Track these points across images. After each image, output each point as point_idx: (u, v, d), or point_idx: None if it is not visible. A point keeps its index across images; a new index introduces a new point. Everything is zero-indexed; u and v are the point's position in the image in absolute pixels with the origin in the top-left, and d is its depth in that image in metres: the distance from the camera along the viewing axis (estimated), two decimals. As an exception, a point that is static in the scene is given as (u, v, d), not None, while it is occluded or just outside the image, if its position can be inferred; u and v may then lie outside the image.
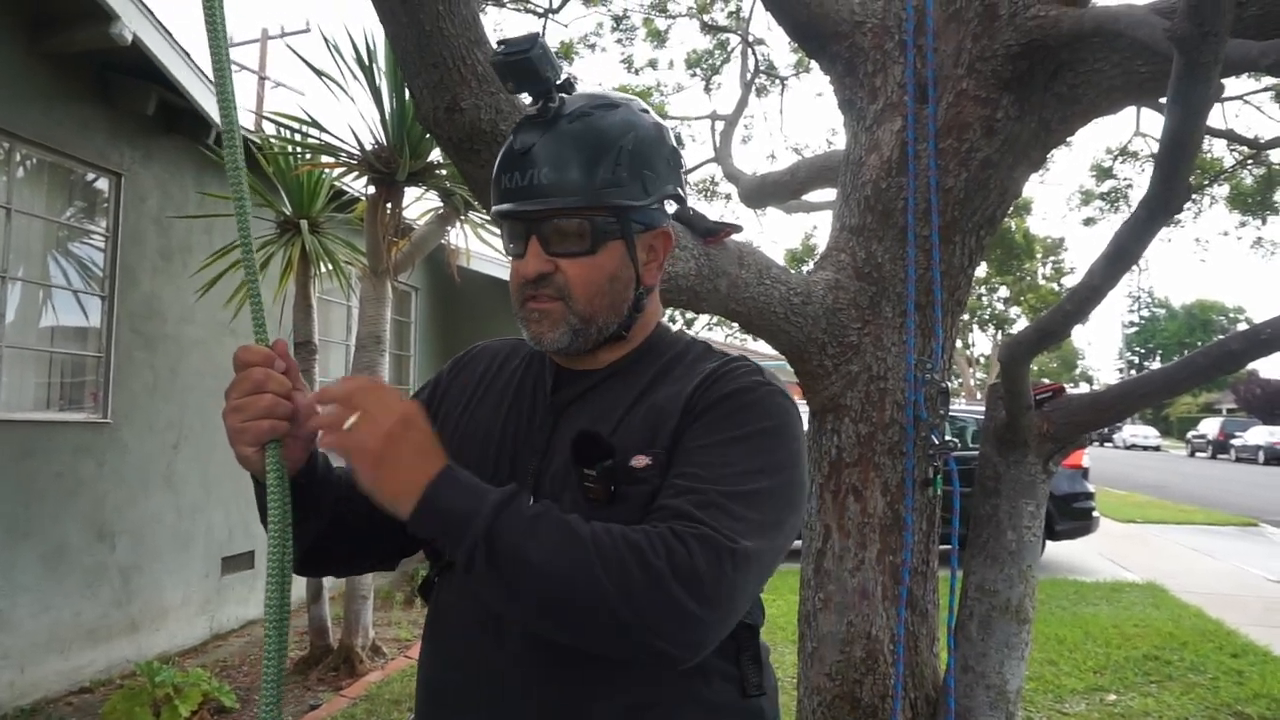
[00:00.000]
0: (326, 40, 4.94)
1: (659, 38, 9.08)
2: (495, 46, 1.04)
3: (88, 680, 4.71)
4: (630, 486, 0.98)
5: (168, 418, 5.36)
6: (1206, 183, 9.90)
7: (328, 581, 5.21)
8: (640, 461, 0.99)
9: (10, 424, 4.40)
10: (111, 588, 4.94)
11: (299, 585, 6.46)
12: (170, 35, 4.76)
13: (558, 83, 1.03)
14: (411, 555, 1.18)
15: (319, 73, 4.93)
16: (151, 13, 4.56)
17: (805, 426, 1.16)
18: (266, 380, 0.96)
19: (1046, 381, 2.20)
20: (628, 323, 1.09)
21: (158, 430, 5.29)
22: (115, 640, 4.94)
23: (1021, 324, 27.87)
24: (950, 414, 2.21)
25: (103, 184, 5.09)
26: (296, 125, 5.15)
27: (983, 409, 2.22)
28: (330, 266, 5.39)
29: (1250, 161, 9.51)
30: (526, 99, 1.06)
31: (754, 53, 7.33)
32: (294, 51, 5.80)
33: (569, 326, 1.04)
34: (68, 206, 4.98)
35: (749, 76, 7.05)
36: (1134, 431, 42.32)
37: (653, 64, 10.59)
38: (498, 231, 1.14)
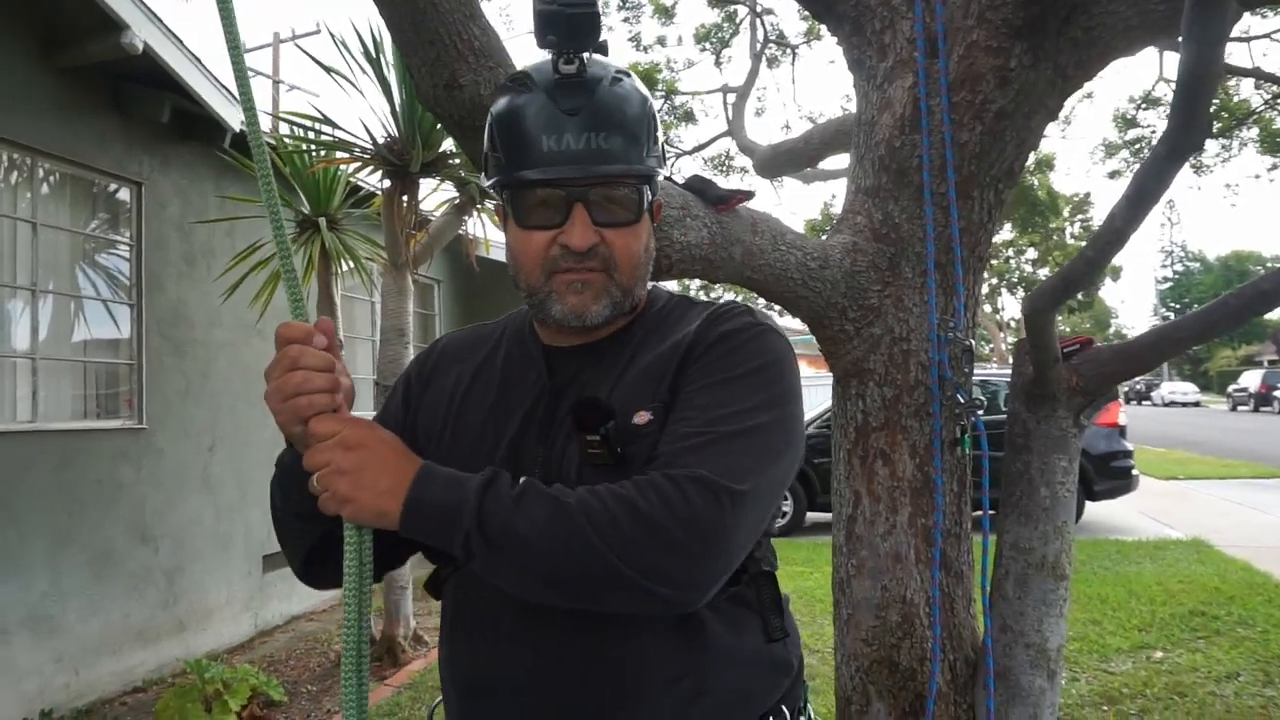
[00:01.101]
0: (334, 38, 4.96)
1: (666, 14, 9.00)
2: None
3: (140, 680, 4.82)
4: (635, 445, 0.97)
5: (201, 421, 5.44)
6: (1235, 125, 9.64)
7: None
8: (643, 418, 0.98)
9: (50, 434, 4.49)
10: (157, 589, 5.05)
11: (340, 579, 6.55)
12: (180, 42, 4.80)
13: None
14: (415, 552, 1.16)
15: (328, 70, 4.95)
16: (160, 20, 4.60)
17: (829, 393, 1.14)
18: (301, 356, 0.94)
19: (1074, 335, 2.16)
20: (643, 295, 1.09)
21: (192, 434, 5.38)
22: (164, 640, 5.05)
23: (1051, 285, 27.26)
24: (981, 377, 2.18)
25: (124, 193, 5.15)
26: (309, 124, 5.18)
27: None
28: (351, 263, 5.43)
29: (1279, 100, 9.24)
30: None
31: (763, 23, 7.24)
32: (304, 52, 5.83)
33: (611, 299, 1.01)
34: (92, 218, 5.06)
35: (759, 47, 6.97)
36: (1172, 388, 41.62)
37: (661, 41, 10.50)
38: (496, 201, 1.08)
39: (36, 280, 4.57)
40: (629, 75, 1.03)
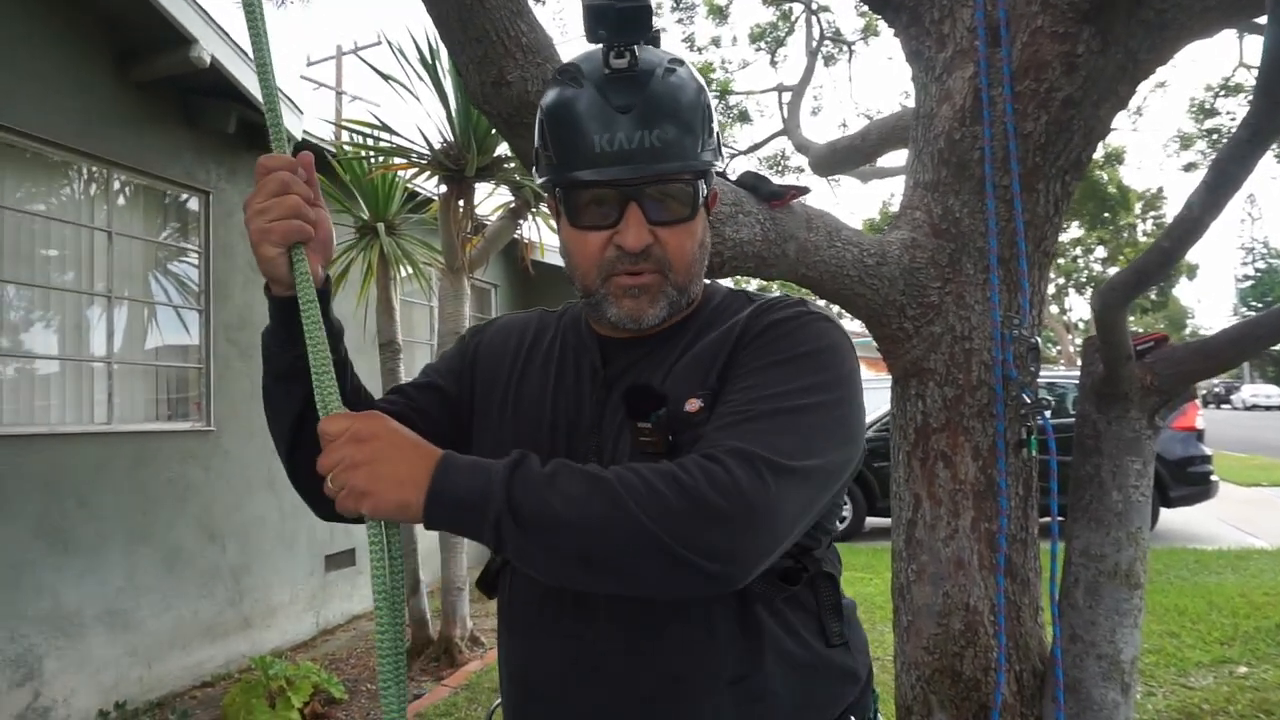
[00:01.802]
0: (392, 46, 5.04)
1: (720, 14, 8.96)
2: None
3: (209, 675, 4.96)
4: (686, 433, 0.94)
5: (265, 424, 5.57)
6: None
7: (425, 576, 5.34)
8: (694, 405, 0.95)
9: (125, 435, 4.65)
10: (225, 587, 5.19)
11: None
12: (245, 54, 4.93)
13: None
14: None
15: (386, 78, 5.04)
16: (227, 34, 4.74)
17: (888, 394, 1.10)
18: (291, 182, 0.94)
19: (1146, 332, 2.06)
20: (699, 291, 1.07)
21: (257, 435, 5.52)
22: (231, 636, 5.18)
23: (1122, 284, 26.34)
24: (1049, 379, 2.10)
25: (193, 203, 5.32)
26: (369, 131, 5.28)
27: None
28: (409, 269, 5.51)
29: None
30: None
31: (819, 20, 7.15)
32: (365, 62, 5.94)
33: (668, 300, 0.99)
34: (163, 227, 5.23)
35: (815, 45, 6.88)
36: (1254, 390, 39.88)
37: (715, 41, 10.45)
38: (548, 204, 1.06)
39: (112, 287, 4.74)
40: (683, 64, 1.00)
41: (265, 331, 1.04)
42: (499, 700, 1.14)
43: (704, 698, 0.95)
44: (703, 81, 1.01)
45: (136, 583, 4.58)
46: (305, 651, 5.55)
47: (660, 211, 0.96)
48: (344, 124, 5.84)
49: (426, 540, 5.70)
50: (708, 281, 1.17)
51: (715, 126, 1.02)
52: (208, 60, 4.56)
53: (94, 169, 4.67)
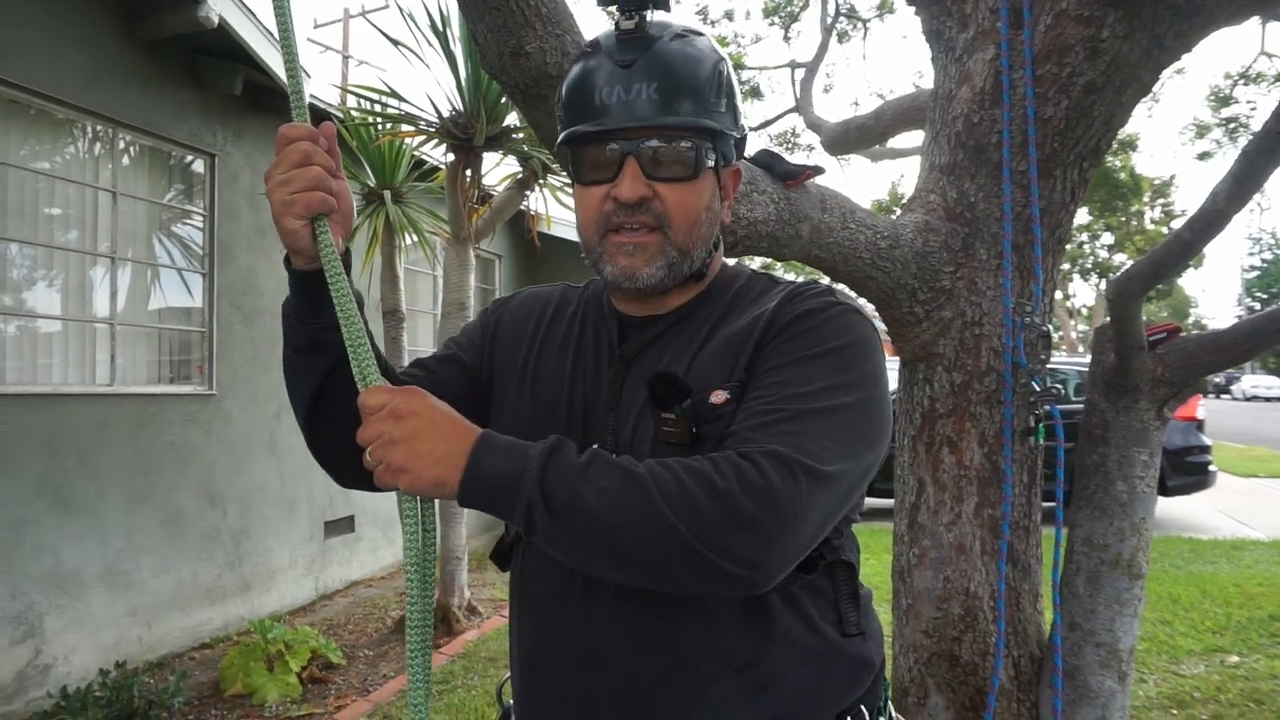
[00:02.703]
0: (401, 11, 4.98)
1: (735, -13, 8.82)
2: None
3: (208, 636, 5.00)
4: (711, 425, 0.94)
5: (268, 388, 5.58)
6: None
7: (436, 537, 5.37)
8: (719, 397, 0.94)
9: (127, 397, 4.65)
10: (225, 550, 5.22)
11: (396, 549, 6.69)
12: (253, 15, 4.87)
13: None
14: None
15: (395, 43, 4.98)
16: (235, -6, 4.67)
17: (895, 377, 1.09)
18: (314, 153, 0.93)
19: (1159, 323, 2.05)
20: (708, 261, 1.05)
21: (259, 400, 5.52)
22: (230, 599, 5.22)
23: (1128, 271, 26.23)
24: (1051, 366, 2.08)
25: (199, 165, 5.28)
26: (376, 97, 5.23)
27: (1084, 362, 2.08)
28: (415, 237, 5.48)
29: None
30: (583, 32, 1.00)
31: (834, -4, 7.05)
32: (373, 25, 5.86)
33: (666, 260, 0.98)
34: (168, 188, 5.19)
35: (829, 21, 6.79)
36: (1255, 382, 39.86)
37: (729, 15, 10.32)
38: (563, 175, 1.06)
39: (116, 248, 4.72)
40: (700, 34, 1.01)
41: (285, 303, 1.03)
42: (507, 675, 1.14)
43: (711, 684, 0.95)
44: (720, 52, 1.02)
45: (136, 544, 4.60)
46: (303, 616, 5.59)
47: (659, 168, 0.96)
48: (351, 89, 5.79)
49: (426, 509, 5.72)
50: (731, 262, 1.15)
51: (735, 98, 1.02)
52: (215, 20, 4.50)
53: (99, 128, 4.63)
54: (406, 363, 5.10)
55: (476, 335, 1.18)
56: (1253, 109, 10.70)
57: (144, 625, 4.62)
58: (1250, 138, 1.42)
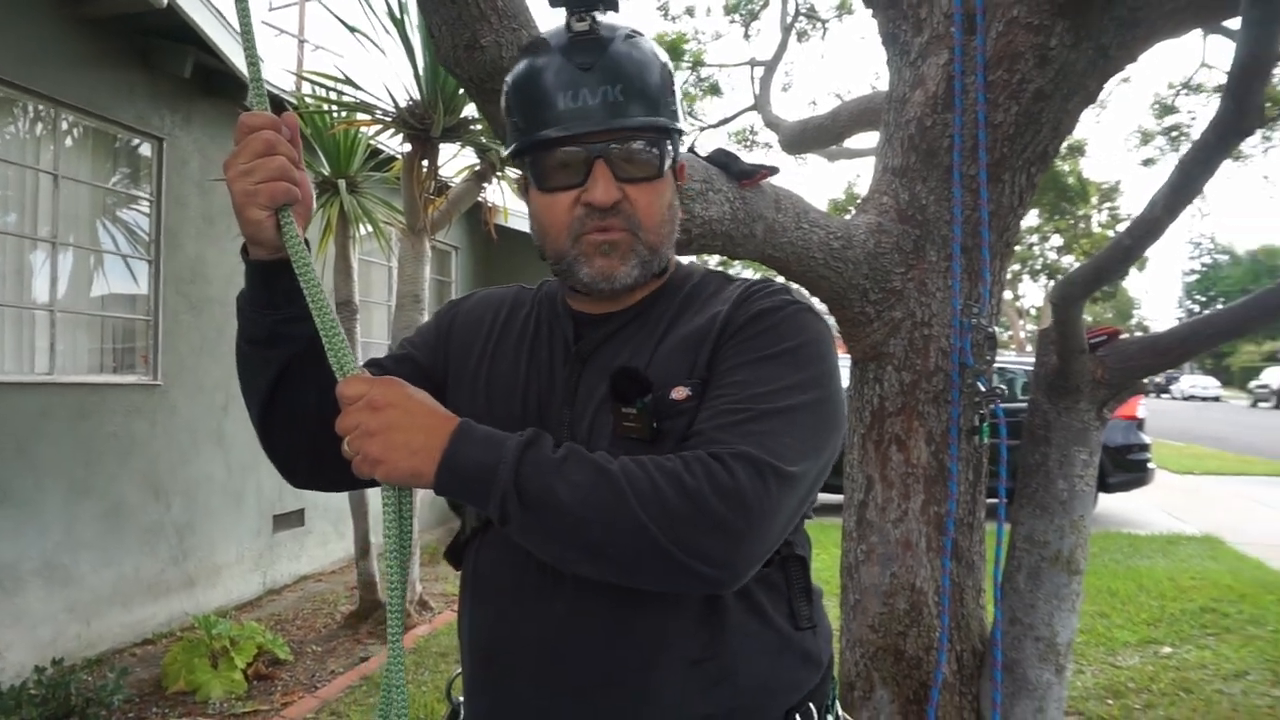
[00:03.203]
0: (358, -4, 4.89)
1: (696, -17, 8.83)
2: None
3: (150, 633, 4.89)
4: (673, 420, 0.95)
5: (215, 379, 5.46)
6: (1278, 115, 9.38)
7: (375, 538, 5.31)
8: (680, 393, 0.95)
9: (67, 386, 4.52)
10: (169, 544, 5.10)
11: (347, 543, 6.60)
12: (204, -4, 4.76)
13: None
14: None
15: (352, 29, 4.89)
16: (184, -27, 4.55)
17: (846, 376, 1.11)
18: (277, 142, 0.92)
19: (1101, 325, 2.11)
20: (669, 257, 1.07)
21: (206, 391, 5.40)
22: (174, 595, 5.11)
23: (1075, 273, 26.87)
24: (999, 365, 2.13)
25: (145, 149, 5.14)
26: (332, 84, 5.13)
27: (1032, 361, 2.14)
28: (370, 227, 5.40)
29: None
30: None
31: (794, -5, 7.10)
32: (328, 10, 5.76)
33: (639, 259, 0.99)
34: (113, 172, 5.05)
35: (789, 20, 6.83)
36: (1193, 382, 41.14)
37: (690, 11, 10.34)
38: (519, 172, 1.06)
39: (57, 233, 4.57)
40: (641, 34, 1.02)
41: (240, 296, 1.01)
42: (458, 671, 1.14)
43: (667, 676, 0.96)
44: (662, 51, 1.03)
45: (76, 537, 4.48)
46: (250, 612, 5.49)
47: (627, 170, 0.97)
48: (306, 75, 5.67)
49: (378, 502, 5.66)
50: (685, 260, 1.16)
51: (678, 95, 1.04)
52: (164, 0, 4.38)
53: (40, 108, 4.47)
54: (359, 354, 4.99)
55: (431, 335, 1.18)
56: (1193, 118, 11.05)
57: (83, 621, 4.50)
58: (1189, 147, 1.47)
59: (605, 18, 0.99)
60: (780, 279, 2.57)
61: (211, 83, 5.24)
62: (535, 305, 1.15)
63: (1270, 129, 10.00)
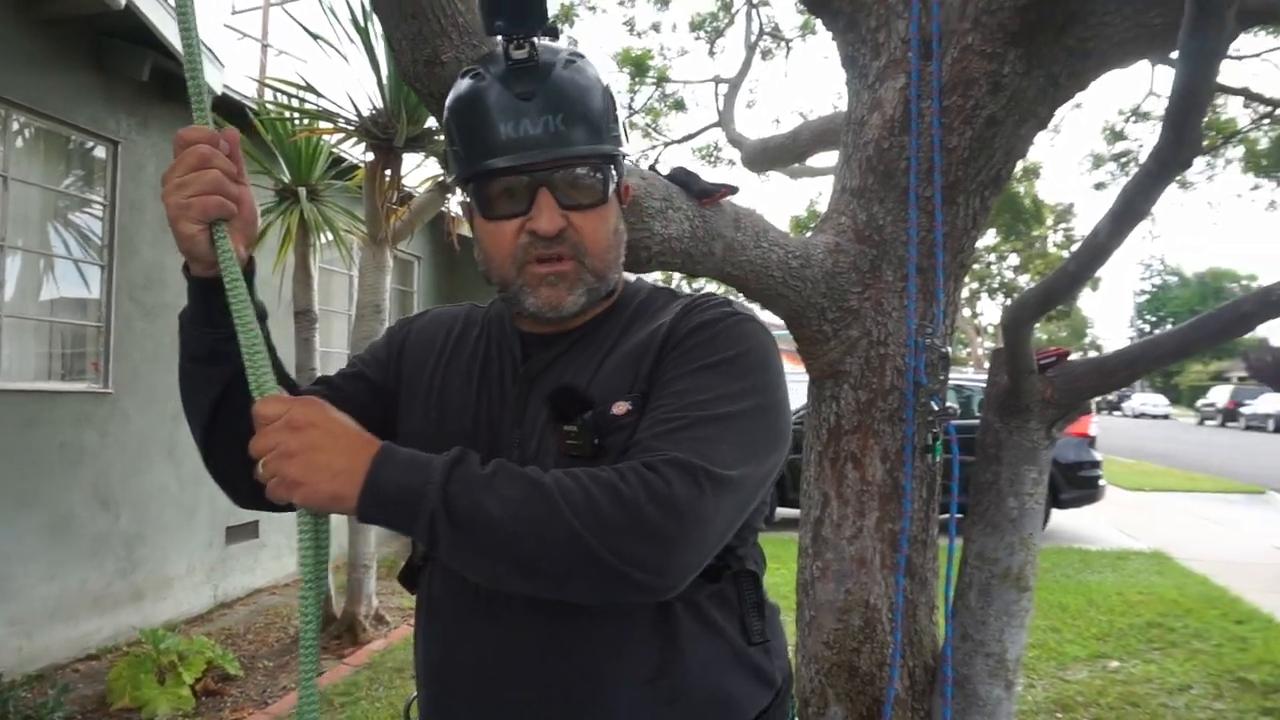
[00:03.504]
0: (322, 3, 4.86)
1: None
2: None
3: (94, 648, 4.75)
4: (614, 436, 0.95)
5: (169, 387, 5.28)
6: (1220, 143, 9.71)
7: (330, 551, 5.24)
8: (621, 408, 0.96)
9: (12, 394, 4.40)
10: (116, 557, 4.97)
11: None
12: (164, -1, 4.69)
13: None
14: None
15: (315, 37, 4.86)
16: (144, -25, 4.48)
17: (802, 391, 1.12)
18: (212, 156, 0.91)
19: (1051, 347, 2.16)
20: (617, 280, 1.07)
21: (160, 400, 5.29)
22: (121, 608, 4.98)
23: (1031, 292, 27.49)
24: (956, 382, 2.17)
25: (100, 151, 5.04)
26: (294, 91, 5.09)
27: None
28: (330, 236, 5.35)
29: (1266, 121, 9.30)
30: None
31: (758, 14, 7.19)
32: (291, 17, 5.72)
33: (586, 287, 0.99)
34: (66, 175, 4.94)
35: (753, 39, 6.92)
36: (1143, 400, 42.20)
37: (655, 27, 10.42)
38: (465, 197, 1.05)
39: (5, 235, 4.46)
40: (582, 56, 1.01)
41: (182, 313, 1.00)
42: (414, 694, 1.13)
43: (619, 696, 0.96)
44: (601, 74, 1.03)
45: (19, 549, 4.35)
46: (201, 625, 5.37)
47: (571, 197, 0.97)
48: (268, 82, 5.61)
49: (335, 516, 5.57)
50: (632, 277, 1.17)
51: (619, 117, 1.04)
52: (122, 2, 4.31)
53: (-11, 108, 4.37)
54: (318, 364, 4.92)
55: (382, 352, 1.17)
56: (1140, 146, 11.41)
57: (24, 635, 4.36)
58: (1133, 174, 1.51)
59: (544, 42, 0.99)
60: (740, 296, 2.59)
61: (170, 86, 5.16)
62: (485, 324, 1.15)
63: (1215, 156, 10.34)
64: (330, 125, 4.96)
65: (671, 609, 0.97)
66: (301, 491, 0.84)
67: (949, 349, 2.11)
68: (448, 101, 1.01)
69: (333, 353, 7.17)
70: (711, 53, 9.02)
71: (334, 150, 5.51)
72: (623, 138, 1.03)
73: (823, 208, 2.25)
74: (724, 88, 6.32)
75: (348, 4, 4.86)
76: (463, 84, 1.00)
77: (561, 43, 1.03)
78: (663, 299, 1.09)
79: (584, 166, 0.97)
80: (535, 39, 0.96)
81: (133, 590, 5.07)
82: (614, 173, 1.01)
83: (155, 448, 5.27)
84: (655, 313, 1.06)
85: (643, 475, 0.83)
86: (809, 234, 2.35)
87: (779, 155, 4.37)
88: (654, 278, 1.44)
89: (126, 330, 5.10)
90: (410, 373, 1.13)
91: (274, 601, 5.98)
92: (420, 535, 0.84)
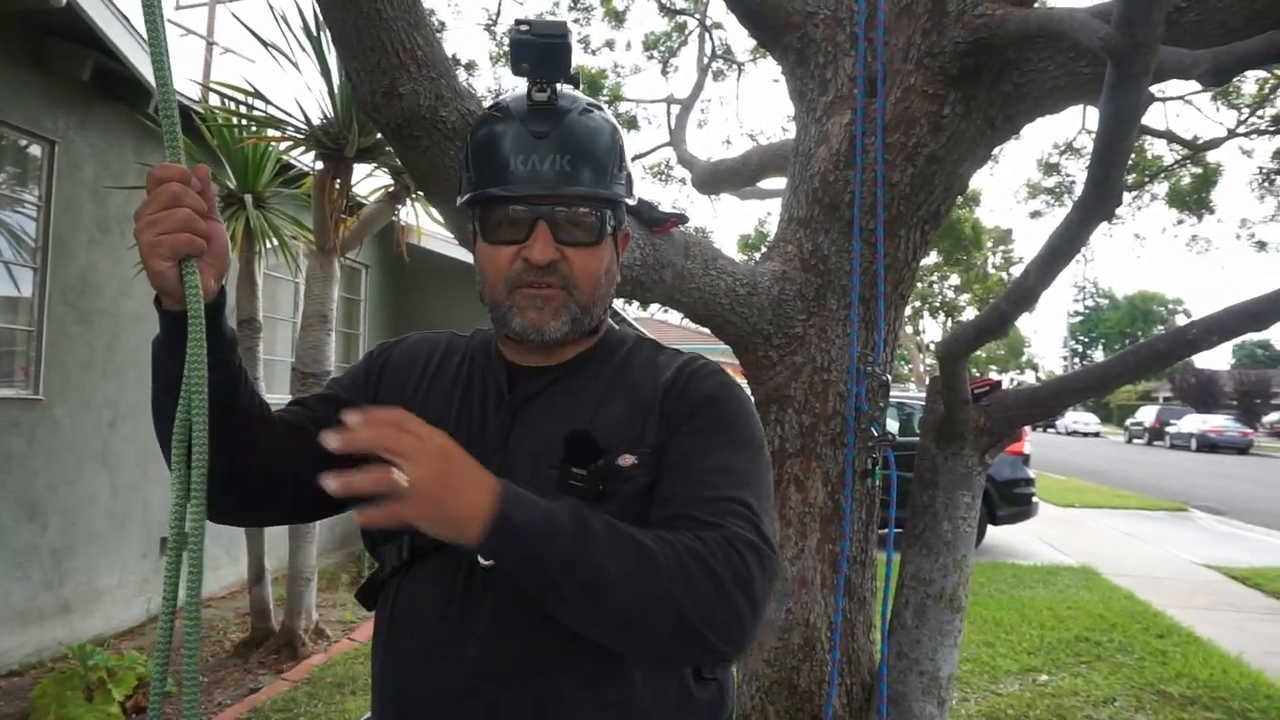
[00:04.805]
0: (273, 10, 4.80)
1: (617, 18, 9.00)
2: (517, 24, 1.04)
3: (16, 663, 4.58)
4: (618, 485, 1.00)
5: (104, 395, 5.21)
6: (1147, 180, 10.15)
7: (270, 563, 5.13)
8: (627, 461, 1.01)
9: (-65, 399, 4.24)
10: (42, 569, 4.81)
11: (240, 567, 6.35)
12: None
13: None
14: (332, 514, 1.13)
15: (266, 44, 4.79)
16: (87, -27, 4.38)
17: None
18: (183, 194, 0.93)
19: (985, 376, 2.25)
20: (602, 317, 1.13)
21: (93, 408, 5.14)
22: (46, 622, 4.81)
23: (970, 313, 28.34)
24: (898, 400, 2.25)
25: (35, 150, 4.89)
26: (242, 96, 5.00)
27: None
28: (276, 242, 5.27)
29: (1188, 161, 9.77)
30: (477, 90, 1.04)
31: (711, 36, 7.31)
32: (240, 22, 5.63)
33: (570, 315, 1.05)
34: (-3, 173, 4.79)
35: (706, 60, 7.03)
36: (1075, 418, 43.55)
37: (610, 44, 10.51)
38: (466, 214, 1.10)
39: (-69, 235, 4.30)
40: (600, 108, 1.10)
41: (155, 342, 1.01)
42: (366, 715, 1.14)
43: (577, 718, 0.99)
44: (617, 125, 1.11)
45: (-61, 561, 4.18)
46: (132, 640, 5.21)
47: (567, 233, 1.03)
48: (214, 87, 5.51)
49: (273, 528, 5.47)
50: (615, 325, 1.22)
51: (628, 167, 1.11)
52: (63, 0, 4.20)
53: (-81, 103, 4.22)
54: (261, 373, 4.80)
55: (360, 376, 1.20)
56: (1072, 181, 11.90)
57: (-59, 652, 4.19)
58: (1061, 220, 1.60)
59: (566, 89, 1.06)
60: (687, 321, 2.63)
61: (112, 86, 5.03)
62: (469, 352, 1.18)
63: (1140, 193, 10.80)
64: (278, 134, 4.90)
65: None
66: (430, 509, 0.82)
67: (889, 378, 2.19)
68: (471, 134, 1.10)
69: (276, 360, 7.04)
70: (664, 72, 9.13)
71: (282, 157, 5.43)
72: (630, 186, 1.11)
73: (771, 228, 2.31)
74: (676, 108, 6.40)
75: (299, 11, 4.81)
76: (488, 122, 1.08)
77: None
78: (649, 350, 1.16)
79: (584, 206, 1.04)
80: (558, 85, 1.04)
81: (60, 603, 4.90)
82: (612, 216, 1.08)
83: (87, 456, 5.12)
84: (643, 365, 1.12)
85: (729, 555, 0.90)
86: (757, 257, 2.41)
87: (729, 178, 4.46)
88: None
89: (60, 335, 4.94)
90: (388, 397, 1.15)
91: (209, 614, 5.83)
92: (533, 579, 0.87)
